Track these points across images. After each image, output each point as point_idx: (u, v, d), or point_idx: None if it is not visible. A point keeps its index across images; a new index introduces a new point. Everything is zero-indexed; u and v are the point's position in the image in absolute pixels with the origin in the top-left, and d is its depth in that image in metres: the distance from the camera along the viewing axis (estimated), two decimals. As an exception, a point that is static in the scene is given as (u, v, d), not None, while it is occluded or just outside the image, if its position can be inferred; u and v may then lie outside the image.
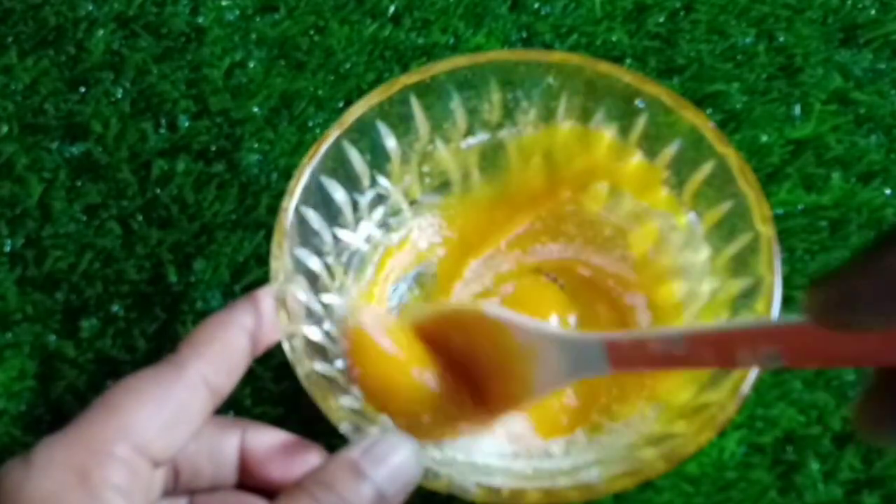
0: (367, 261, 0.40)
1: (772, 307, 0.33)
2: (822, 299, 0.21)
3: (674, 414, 0.34)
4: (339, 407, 0.33)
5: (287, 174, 0.44)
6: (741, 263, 0.35)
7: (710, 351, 0.29)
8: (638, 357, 0.32)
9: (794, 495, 0.38)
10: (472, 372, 0.37)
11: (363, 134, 0.37)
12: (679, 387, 0.35)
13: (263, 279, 0.41)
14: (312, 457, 0.34)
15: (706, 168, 0.36)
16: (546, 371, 0.34)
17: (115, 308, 0.42)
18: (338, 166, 0.37)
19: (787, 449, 0.39)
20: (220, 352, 0.33)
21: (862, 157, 0.44)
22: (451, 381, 0.36)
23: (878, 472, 0.38)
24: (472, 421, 0.36)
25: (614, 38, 0.47)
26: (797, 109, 0.45)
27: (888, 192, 0.44)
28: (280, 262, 0.34)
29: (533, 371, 0.35)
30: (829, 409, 0.39)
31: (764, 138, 0.44)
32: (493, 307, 0.36)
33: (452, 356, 0.37)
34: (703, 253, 0.37)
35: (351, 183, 0.38)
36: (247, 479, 0.34)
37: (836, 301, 0.21)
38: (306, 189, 0.36)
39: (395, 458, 0.31)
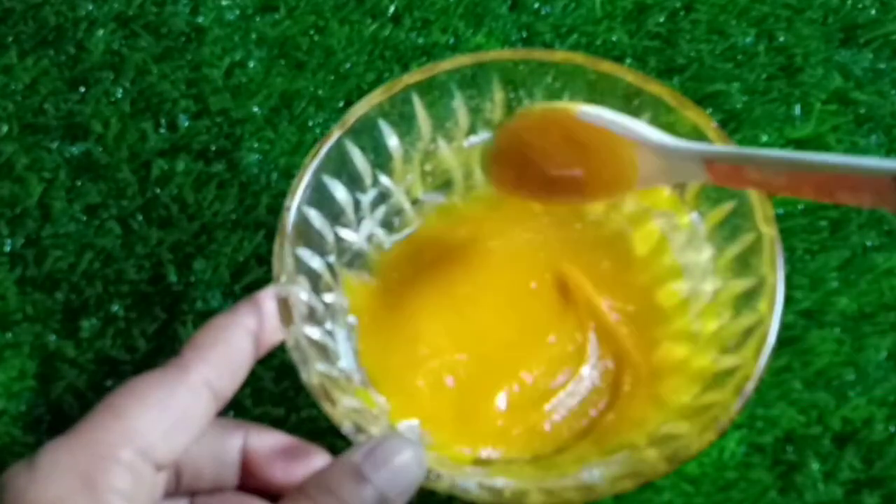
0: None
1: (774, 307, 0.33)
2: None
3: (676, 414, 0.34)
4: (342, 407, 0.33)
5: (287, 174, 0.44)
6: (744, 263, 0.35)
7: (809, 187, 0.29)
8: (735, 177, 0.31)
9: (794, 495, 0.38)
10: (560, 169, 0.36)
11: (365, 133, 0.37)
12: (681, 386, 0.35)
13: (263, 279, 0.42)
14: (314, 459, 0.34)
15: None
16: (646, 166, 0.34)
17: (115, 308, 0.42)
18: (340, 165, 0.37)
19: (787, 449, 0.39)
20: (224, 355, 0.33)
21: (862, 158, 0.44)
22: None
23: (878, 472, 0.39)
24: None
25: (614, 38, 0.47)
26: (797, 109, 0.45)
27: (888, 192, 0.44)
28: (282, 261, 0.34)
29: (636, 161, 0.34)
30: (829, 409, 0.39)
31: (764, 138, 0.44)
32: (587, 108, 0.35)
33: (535, 159, 0.36)
34: (706, 253, 0.37)
35: (353, 182, 0.38)
36: (248, 481, 0.34)
37: None
38: (308, 188, 0.36)
39: (396, 460, 0.31)
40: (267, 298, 0.35)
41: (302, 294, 0.35)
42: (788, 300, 0.35)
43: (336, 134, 0.37)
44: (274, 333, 0.34)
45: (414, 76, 0.38)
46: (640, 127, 0.34)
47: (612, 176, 0.35)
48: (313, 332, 0.35)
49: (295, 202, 0.35)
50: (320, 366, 0.34)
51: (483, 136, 0.40)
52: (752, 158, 0.31)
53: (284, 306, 0.34)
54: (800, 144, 0.44)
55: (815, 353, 0.40)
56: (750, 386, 0.32)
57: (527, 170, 0.37)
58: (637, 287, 0.39)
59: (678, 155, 0.33)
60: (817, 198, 0.29)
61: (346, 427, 0.32)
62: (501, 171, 0.38)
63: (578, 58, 0.38)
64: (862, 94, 0.45)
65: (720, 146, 0.33)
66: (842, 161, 0.28)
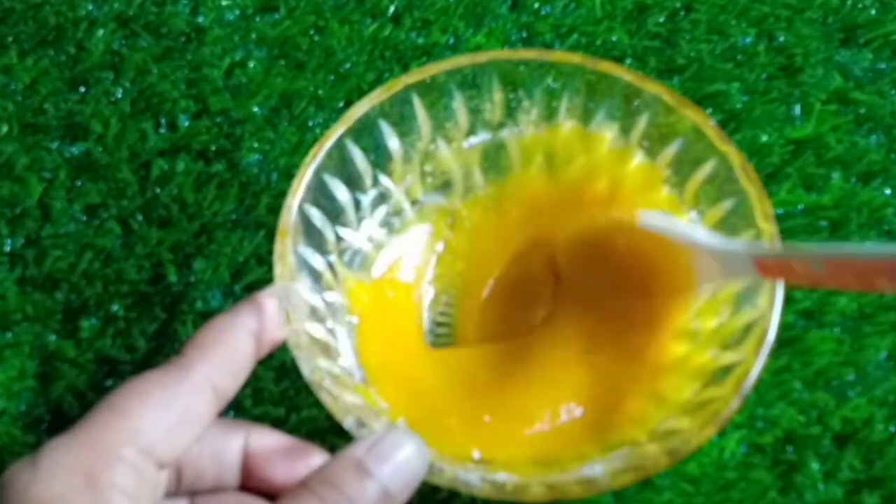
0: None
1: (774, 303, 0.33)
2: None
3: (677, 410, 0.34)
4: (343, 403, 0.33)
5: (287, 174, 0.44)
6: None
7: (850, 277, 0.30)
8: (782, 271, 0.33)
9: (794, 495, 0.38)
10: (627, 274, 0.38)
11: (365, 133, 0.38)
12: (682, 383, 0.35)
13: (263, 279, 0.42)
14: (316, 459, 0.34)
15: (707, 166, 0.37)
16: (703, 269, 0.35)
17: (115, 308, 0.42)
18: (340, 165, 0.37)
19: (787, 449, 0.39)
20: (225, 354, 0.33)
21: (862, 157, 0.44)
22: None
23: (878, 472, 0.38)
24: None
25: (614, 38, 0.47)
26: (797, 109, 0.45)
27: (888, 192, 0.44)
28: (283, 259, 0.35)
29: (693, 266, 0.35)
30: (829, 409, 0.39)
31: (764, 138, 0.44)
32: (647, 216, 0.37)
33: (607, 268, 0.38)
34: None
35: (353, 182, 0.38)
36: (249, 481, 0.34)
37: None
38: (309, 187, 0.36)
39: (399, 454, 0.31)
40: (267, 299, 0.35)
41: (303, 292, 0.35)
42: (788, 300, 0.35)
43: (336, 133, 0.37)
44: (274, 334, 0.34)
45: (414, 76, 0.38)
46: (696, 232, 0.35)
47: (673, 281, 0.37)
48: (314, 330, 0.35)
49: (296, 200, 0.36)
50: (321, 363, 0.34)
51: (483, 136, 0.40)
52: (796, 253, 0.32)
53: (286, 304, 0.34)
54: (800, 144, 0.44)
55: (815, 353, 0.40)
56: (750, 382, 0.32)
57: (594, 277, 0.39)
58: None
59: (730, 256, 0.34)
60: (861, 288, 0.30)
61: (349, 422, 0.32)
62: (570, 275, 0.39)
63: (577, 58, 0.38)
64: (862, 94, 0.45)
65: (767, 245, 0.35)
66: (877, 250, 0.29)
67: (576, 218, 0.40)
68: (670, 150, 0.38)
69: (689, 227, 0.36)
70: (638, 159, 0.38)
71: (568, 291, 0.39)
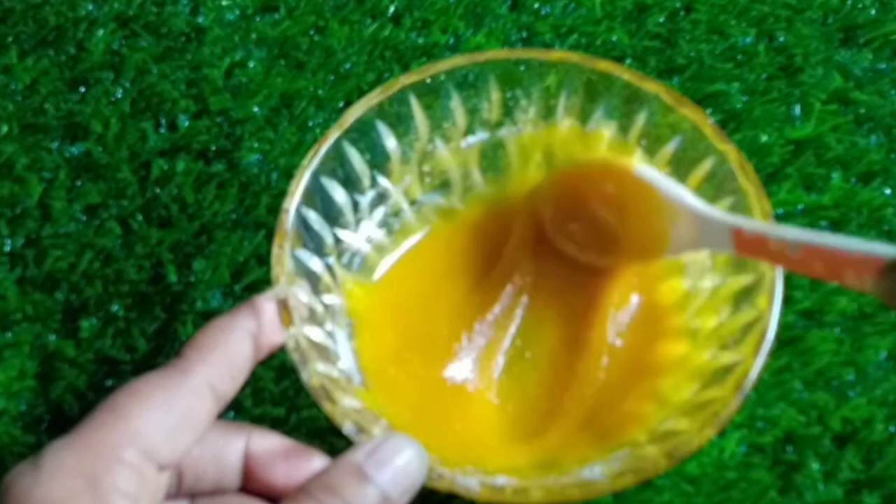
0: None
1: (773, 303, 0.33)
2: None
3: (676, 410, 0.34)
4: (342, 407, 0.33)
5: (287, 174, 0.44)
6: (742, 260, 0.35)
7: (820, 264, 0.30)
8: (758, 248, 0.33)
9: (794, 495, 0.38)
10: (602, 224, 0.38)
11: (363, 134, 0.38)
12: (681, 383, 0.35)
13: (263, 279, 0.42)
14: (317, 462, 0.34)
15: (706, 165, 0.37)
16: (680, 234, 0.35)
17: (115, 308, 0.42)
18: (338, 167, 0.37)
19: (787, 449, 0.39)
20: (225, 356, 0.33)
21: (862, 157, 0.44)
22: None
23: (878, 472, 0.38)
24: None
25: (614, 38, 0.47)
26: (797, 109, 0.45)
27: (888, 192, 0.44)
28: (281, 263, 0.35)
29: (670, 229, 0.36)
30: (829, 409, 0.39)
31: (764, 138, 0.44)
32: (643, 167, 0.36)
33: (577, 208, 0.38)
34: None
35: (351, 183, 0.38)
36: (250, 484, 0.34)
37: None
38: (307, 190, 0.36)
39: (399, 459, 0.31)
40: (266, 302, 0.35)
41: (301, 295, 0.35)
42: (788, 300, 0.35)
43: (334, 135, 0.37)
44: (273, 336, 0.35)
45: (411, 77, 0.38)
46: (684, 193, 0.35)
47: (647, 240, 0.37)
48: (313, 333, 0.35)
49: (293, 204, 0.35)
50: (320, 366, 0.34)
51: (481, 136, 0.40)
52: (776, 233, 0.32)
53: (284, 308, 0.34)
54: (800, 144, 0.44)
55: (815, 353, 0.40)
56: (749, 382, 0.32)
57: (575, 217, 0.38)
58: (637, 284, 0.39)
59: (711, 223, 0.34)
60: (828, 277, 0.30)
61: (347, 427, 0.32)
62: (552, 211, 0.39)
63: (575, 57, 0.38)
64: (862, 94, 0.45)
65: (749, 219, 0.35)
66: (852, 243, 0.29)
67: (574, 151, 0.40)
68: (669, 149, 0.38)
69: (679, 186, 0.35)
70: (637, 158, 0.38)
71: (549, 247, 0.39)
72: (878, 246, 0.28)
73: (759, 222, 0.35)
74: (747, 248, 0.33)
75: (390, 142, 0.39)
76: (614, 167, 0.37)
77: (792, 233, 0.31)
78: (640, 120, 0.38)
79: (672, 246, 0.36)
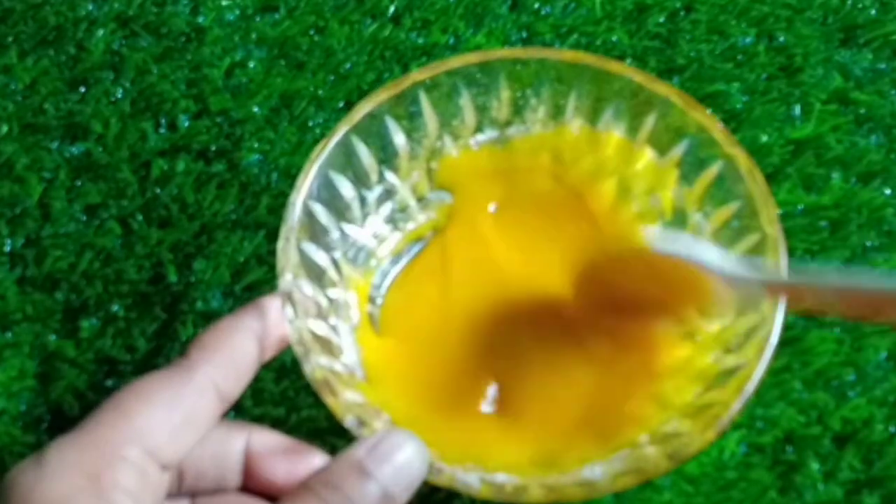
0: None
1: (777, 309, 0.33)
2: None
3: (678, 412, 0.34)
4: (344, 401, 0.33)
5: (287, 174, 0.44)
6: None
7: (861, 308, 0.30)
8: (793, 300, 0.33)
9: (794, 495, 0.38)
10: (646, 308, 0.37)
11: (372, 129, 0.38)
12: (683, 385, 0.35)
13: (264, 279, 0.42)
14: (317, 460, 0.34)
15: (714, 168, 0.37)
16: (720, 290, 0.35)
17: (115, 308, 0.42)
18: (346, 161, 0.37)
19: (787, 449, 0.39)
20: (230, 357, 0.33)
21: (862, 157, 0.44)
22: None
23: (878, 472, 0.39)
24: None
25: (614, 38, 0.47)
26: (797, 109, 0.45)
27: (888, 192, 0.44)
28: (287, 256, 0.35)
29: (709, 283, 0.35)
30: (829, 409, 0.39)
31: (764, 138, 0.44)
32: (658, 240, 0.37)
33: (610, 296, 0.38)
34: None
35: (359, 178, 0.38)
36: (250, 482, 0.34)
37: None
38: (314, 184, 0.36)
39: (400, 455, 0.31)
40: (270, 303, 0.35)
41: (306, 289, 0.35)
42: (789, 301, 0.35)
43: (343, 130, 0.37)
44: (278, 338, 0.35)
45: (422, 73, 0.38)
46: (709, 253, 0.34)
47: (693, 297, 0.36)
48: (317, 327, 0.35)
49: (301, 197, 0.35)
50: (323, 360, 0.34)
51: (489, 134, 0.40)
52: (809, 283, 0.32)
53: (288, 300, 0.34)
54: (800, 144, 0.44)
55: (815, 353, 0.40)
56: (751, 385, 0.32)
57: (614, 305, 0.38)
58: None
59: (744, 282, 0.34)
60: (870, 318, 0.32)
61: (349, 421, 0.32)
62: (592, 305, 0.39)
63: (587, 58, 0.38)
64: (862, 94, 0.46)
65: (781, 275, 0.35)
66: (883, 281, 0.30)
67: (588, 239, 0.40)
68: (677, 151, 0.37)
69: (701, 247, 0.35)
70: (647, 159, 0.38)
71: (582, 313, 0.39)
72: None
73: (789, 274, 0.35)
74: (779, 294, 0.33)
75: (399, 138, 0.38)
76: (633, 253, 0.38)
77: (826, 281, 0.32)
78: (650, 122, 0.38)
79: (716, 300, 0.35)
